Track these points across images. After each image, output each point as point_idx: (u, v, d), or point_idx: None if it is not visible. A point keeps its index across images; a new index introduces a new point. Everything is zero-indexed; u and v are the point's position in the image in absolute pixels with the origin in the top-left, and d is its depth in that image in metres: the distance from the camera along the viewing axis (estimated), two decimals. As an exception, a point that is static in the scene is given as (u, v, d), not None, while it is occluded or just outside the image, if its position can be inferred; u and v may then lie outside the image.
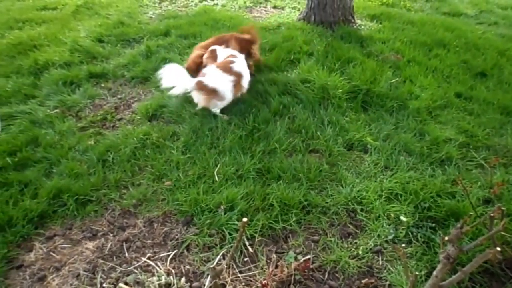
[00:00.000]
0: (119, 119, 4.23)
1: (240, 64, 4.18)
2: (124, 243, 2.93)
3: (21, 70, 4.99)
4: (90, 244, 2.94)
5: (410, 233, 2.95)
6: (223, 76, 3.99)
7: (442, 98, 4.50)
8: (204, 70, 4.09)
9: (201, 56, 4.52)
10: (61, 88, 4.64)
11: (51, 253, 2.87)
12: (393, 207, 3.13)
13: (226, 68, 4.06)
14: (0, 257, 2.79)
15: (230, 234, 2.90)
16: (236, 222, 2.95)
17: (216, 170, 3.42)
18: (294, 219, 3.04)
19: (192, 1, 7.17)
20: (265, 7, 7.03)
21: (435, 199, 3.18)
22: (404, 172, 3.46)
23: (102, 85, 4.80)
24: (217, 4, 7.02)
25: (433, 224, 2.99)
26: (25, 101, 4.46)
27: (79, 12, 6.69)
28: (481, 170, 3.61)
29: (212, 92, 3.95)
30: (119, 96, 4.60)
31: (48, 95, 4.55)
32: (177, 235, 2.96)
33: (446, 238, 1.99)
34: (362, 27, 6.28)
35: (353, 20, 6.25)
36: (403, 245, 2.85)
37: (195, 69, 4.45)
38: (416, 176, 3.42)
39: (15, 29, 6.06)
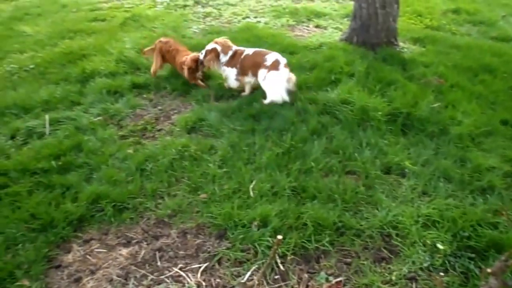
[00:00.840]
0: (159, 130, 4.32)
1: None
2: (157, 252, 2.97)
3: (70, 78, 5.23)
4: (124, 251, 2.99)
5: (447, 262, 2.84)
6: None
7: (486, 125, 4.35)
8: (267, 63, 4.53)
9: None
10: (105, 97, 4.82)
11: (87, 256, 2.95)
12: (429, 234, 3.03)
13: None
14: (42, 256, 2.89)
15: (262, 250, 2.89)
16: (269, 239, 2.94)
17: (251, 185, 3.43)
18: (327, 239, 3.00)
19: (235, 18, 7.30)
20: (307, 26, 7.06)
21: (475, 228, 3.06)
22: (443, 199, 3.35)
23: (144, 96, 4.94)
24: (260, 22, 7.11)
25: (473, 255, 2.88)
26: (71, 108, 4.67)
27: (126, 24, 6.95)
28: (526, 202, 3.47)
29: None
30: (159, 108, 4.72)
31: (92, 103, 4.73)
32: (209, 248, 2.98)
33: (489, 270, 1.92)
34: (405, 49, 6.22)
35: (396, 43, 6.20)
36: (441, 273, 2.76)
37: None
38: (455, 204, 3.30)
39: (67, 38, 6.36)
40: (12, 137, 4.21)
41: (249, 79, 4.73)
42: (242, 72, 4.70)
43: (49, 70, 5.44)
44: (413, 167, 3.71)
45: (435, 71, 5.43)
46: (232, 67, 4.75)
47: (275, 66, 4.47)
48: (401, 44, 6.32)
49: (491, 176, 3.64)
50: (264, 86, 4.56)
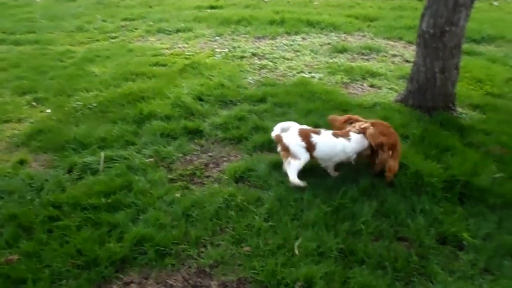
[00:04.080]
0: (207, 177, 4.33)
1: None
2: (195, 304, 2.89)
3: (127, 118, 5.40)
4: (163, 298, 2.93)
5: None
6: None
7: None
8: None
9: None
10: (158, 139, 4.91)
11: (125, 300, 2.91)
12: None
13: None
14: (81, 295, 2.89)
15: (304, 314, 2.75)
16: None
17: (297, 243, 3.32)
18: (375, 310, 2.81)
19: (290, 72, 7.39)
20: (361, 85, 7.02)
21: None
22: (510, 280, 3.08)
23: (196, 141, 5.00)
24: (314, 77, 7.15)
25: None
26: (126, 147, 4.78)
27: (185, 70, 7.17)
28: None
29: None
30: (209, 154, 4.75)
31: (146, 144, 4.83)
32: (249, 304, 2.87)
33: None
34: (463, 115, 6.01)
35: (453, 108, 6.02)
36: None
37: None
38: (523, 286, 3.02)
39: (129, 80, 6.64)
40: (69, 171, 4.36)
41: None
42: None
43: (109, 109, 5.67)
44: (472, 240, 3.47)
45: (497, 140, 5.16)
46: None
47: None
48: (459, 109, 6.13)
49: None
50: None
